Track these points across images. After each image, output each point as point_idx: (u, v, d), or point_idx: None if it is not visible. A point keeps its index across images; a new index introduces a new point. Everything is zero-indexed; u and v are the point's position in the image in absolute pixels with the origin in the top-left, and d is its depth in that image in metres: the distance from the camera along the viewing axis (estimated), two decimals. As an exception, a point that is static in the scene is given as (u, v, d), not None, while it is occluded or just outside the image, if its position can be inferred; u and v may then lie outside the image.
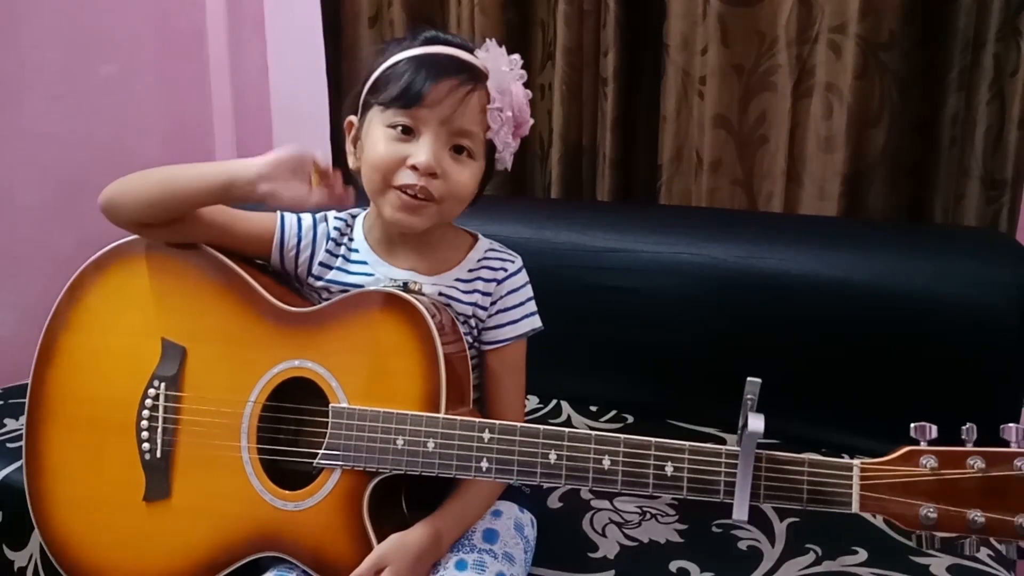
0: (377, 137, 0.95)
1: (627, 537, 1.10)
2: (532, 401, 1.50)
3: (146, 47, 2.06)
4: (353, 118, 1.01)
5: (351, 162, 1.02)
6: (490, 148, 0.97)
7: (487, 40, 0.96)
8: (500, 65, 0.94)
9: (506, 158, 0.98)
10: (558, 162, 1.78)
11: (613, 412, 1.48)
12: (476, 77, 0.94)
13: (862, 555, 1.04)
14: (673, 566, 1.04)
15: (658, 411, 1.45)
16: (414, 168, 0.92)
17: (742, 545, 1.08)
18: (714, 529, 1.11)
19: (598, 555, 1.06)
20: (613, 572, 1.03)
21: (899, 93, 1.47)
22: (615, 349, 1.45)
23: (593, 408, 1.49)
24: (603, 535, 1.11)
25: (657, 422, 1.42)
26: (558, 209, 1.68)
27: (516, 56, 0.96)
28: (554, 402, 1.51)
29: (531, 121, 0.99)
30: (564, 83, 1.73)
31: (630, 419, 1.46)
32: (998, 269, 1.25)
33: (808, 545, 1.06)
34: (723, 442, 1.34)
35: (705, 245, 1.40)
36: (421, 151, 0.92)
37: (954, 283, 1.25)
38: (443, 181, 0.93)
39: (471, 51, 0.97)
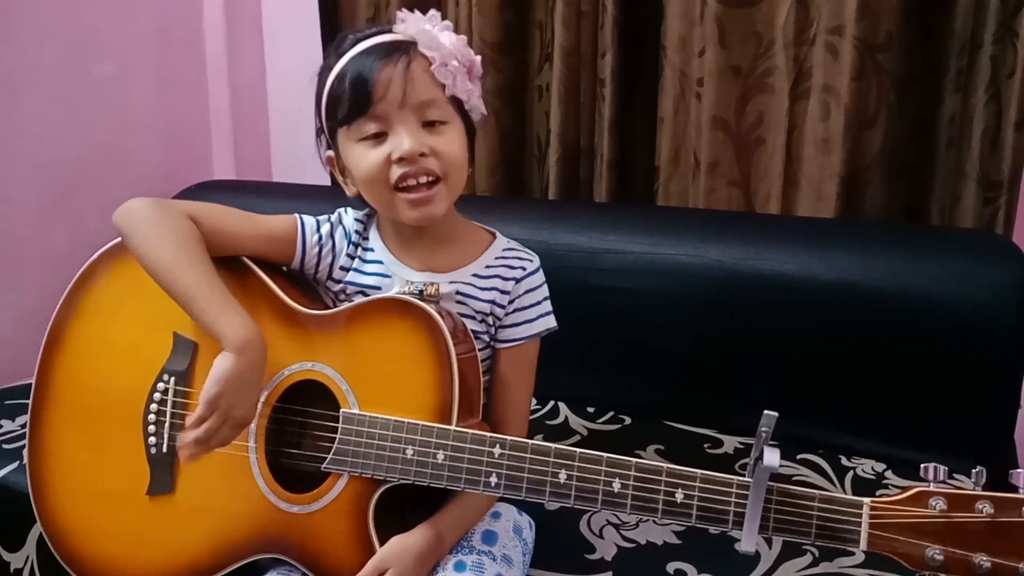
0: (357, 155, 0.96)
1: (624, 539, 1.10)
2: (530, 402, 1.50)
3: (143, 47, 2.06)
4: (330, 153, 1.02)
5: (349, 191, 1.02)
6: (458, 105, 0.98)
7: (397, 13, 0.97)
8: (421, 26, 0.95)
9: (476, 104, 0.99)
10: (556, 163, 1.77)
11: (610, 413, 1.47)
12: (404, 48, 0.94)
13: (859, 557, 1.04)
14: (670, 567, 1.04)
15: (655, 412, 1.45)
16: (402, 160, 0.93)
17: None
18: (711, 531, 1.11)
19: (595, 557, 1.06)
20: (611, 574, 1.03)
21: (896, 94, 1.47)
22: (612, 350, 1.45)
23: (590, 409, 1.49)
24: (600, 537, 1.11)
25: (654, 423, 1.43)
26: (556, 210, 1.68)
27: (432, 11, 0.97)
28: (551, 403, 1.51)
29: (479, 58, 0.99)
30: (562, 84, 1.73)
31: (627, 420, 1.45)
32: (995, 270, 1.25)
33: (805, 546, 1.06)
34: (720, 443, 1.37)
35: (702, 246, 1.40)
36: (400, 141, 0.93)
37: (951, 284, 1.26)
38: (436, 158, 0.94)
39: (389, 31, 0.97)
